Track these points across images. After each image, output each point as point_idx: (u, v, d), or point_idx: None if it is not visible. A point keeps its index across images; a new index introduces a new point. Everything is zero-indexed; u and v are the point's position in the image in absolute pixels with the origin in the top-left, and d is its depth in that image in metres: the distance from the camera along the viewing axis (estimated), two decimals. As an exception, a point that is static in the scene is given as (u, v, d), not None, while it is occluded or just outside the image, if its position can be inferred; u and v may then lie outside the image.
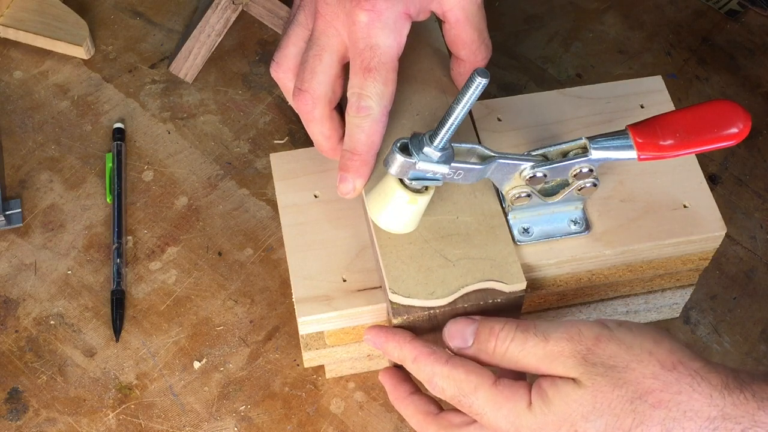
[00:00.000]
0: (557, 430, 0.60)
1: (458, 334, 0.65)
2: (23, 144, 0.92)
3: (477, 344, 0.64)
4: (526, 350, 0.62)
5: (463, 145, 0.67)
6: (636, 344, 0.60)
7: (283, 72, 0.72)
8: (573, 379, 0.60)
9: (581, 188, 0.69)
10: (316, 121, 0.71)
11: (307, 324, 0.71)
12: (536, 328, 0.62)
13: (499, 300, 0.68)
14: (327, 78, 0.69)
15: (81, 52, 0.97)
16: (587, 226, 0.72)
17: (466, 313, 0.68)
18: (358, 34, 0.67)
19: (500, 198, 0.71)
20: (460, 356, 0.65)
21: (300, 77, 0.70)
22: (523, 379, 0.64)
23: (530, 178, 0.68)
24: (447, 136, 0.63)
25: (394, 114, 0.70)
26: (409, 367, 0.66)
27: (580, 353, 0.60)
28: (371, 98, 0.67)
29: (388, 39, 0.66)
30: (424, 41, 0.77)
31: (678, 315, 0.83)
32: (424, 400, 0.68)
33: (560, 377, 0.60)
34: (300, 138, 0.92)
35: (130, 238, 0.87)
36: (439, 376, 0.64)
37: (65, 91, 0.96)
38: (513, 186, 0.69)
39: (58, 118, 0.94)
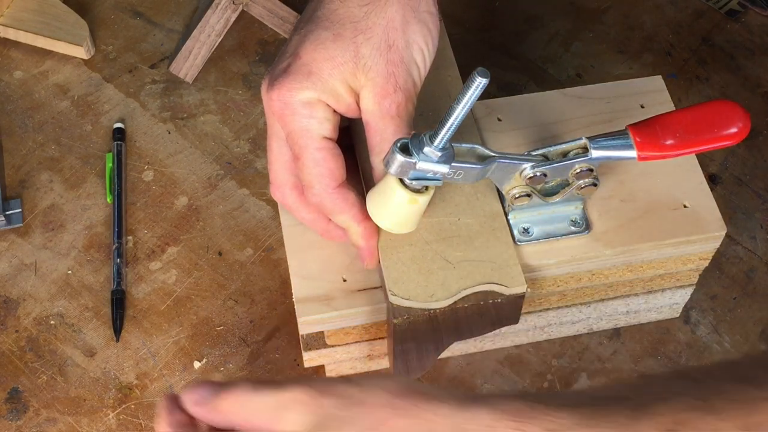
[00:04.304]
0: None
1: (195, 394, 0.57)
2: (23, 144, 0.92)
3: (209, 402, 0.56)
4: (257, 400, 0.55)
5: (463, 145, 0.67)
6: (365, 382, 0.56)
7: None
8: None
9: (581, 188, 0.69)
10: (293, 208, 0.71)
11: (307, 324, 0.71)
12: (271, 384, 0.56)
13: (499, 300, 0.68)
14: (281, 165, 0.69)
15: (81, 52, 0.97)
16: (587, 226, 0.72)
17: (466, 314, 0.68)
18: (279, 123, 0.67)
19: (501, 199, 0.71)
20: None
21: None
22: None
23: (530, 177, 0.68)
24: (447, 136, 0.63)
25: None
26: None
27: (312, 396, 0.54)
28: (312, 186, 0.67)
29: (301, 122, 0.66)
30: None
31: (678, 315, 0.83)
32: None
33: None
34: (300, 138, 0.92)
35: (130, 238, 0.87)
36: None
37: (65, 91, 0.96)
38: (513, 186, 0.69)
39: (58, 118, 0.94)
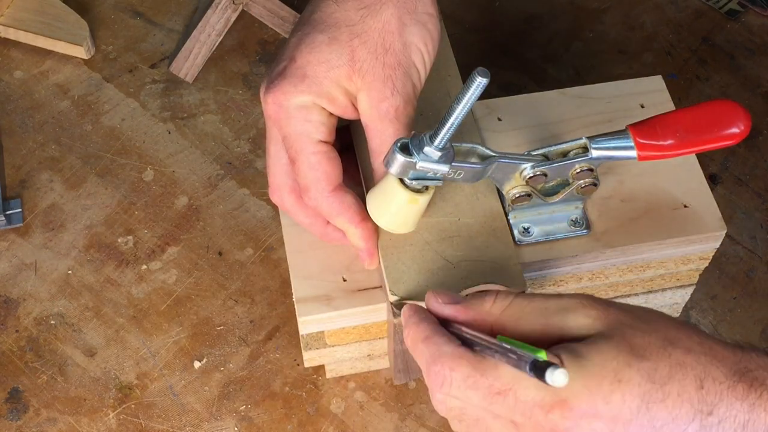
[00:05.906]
0: (599, 384, 0.52)
1: (446, 296, 0.59)
2: (23, 144, 0.92)
3: (469, 302, 0.58)
4: (532, 305, 0.56)
5: (464, 144, 0.67)
6: (645, 312, 0.57)
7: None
8: (594, 335, 0.54)
9: (581, 188, 0.69)
10: (291, 212, 0.71)
11: (307, 324, 0.71)
12: (543, 294, 0.58)
13: (499, 300, 0.68)
14: (278, 169, 0.70)
15: (81, 52, 0.97)
16: (587, 226, 0.72)
17: (466, 314, 0.68)
18: (275, 127, 0.67)
19: (501, 199, 0.71)
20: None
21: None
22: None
23: (530, 177, 0.68)
24: (447, 136, 0.63)
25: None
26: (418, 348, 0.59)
27: (600, 305, 0.55)
28: (309, 189, 0.67)
29: (297, 126, 0.66)
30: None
31: (678, 315, 0.83)
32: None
33: (576, 340, 0.54)
34: (300, 138, 0.92)
35: (130, 238, 0.87)
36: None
37: (65, 91, 0.96)
38: (513, 186, 0.69)
39: (59, 117, 0.94)
